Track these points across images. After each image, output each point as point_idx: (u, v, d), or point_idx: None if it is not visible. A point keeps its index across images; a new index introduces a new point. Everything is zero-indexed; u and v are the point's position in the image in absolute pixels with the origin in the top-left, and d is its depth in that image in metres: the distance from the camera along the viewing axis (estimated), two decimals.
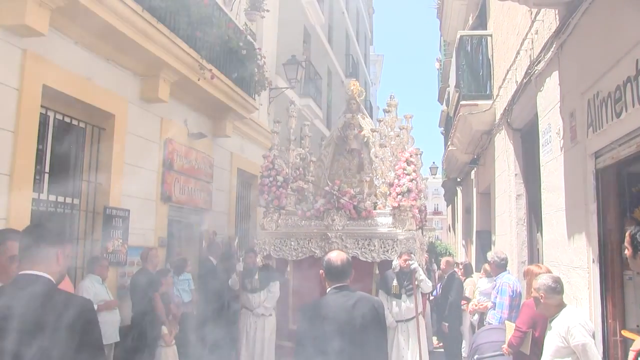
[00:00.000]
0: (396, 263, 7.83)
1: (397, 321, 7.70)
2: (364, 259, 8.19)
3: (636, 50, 3.81)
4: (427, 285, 7.91)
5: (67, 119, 7.12)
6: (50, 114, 6.79)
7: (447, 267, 10.10)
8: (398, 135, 8.97)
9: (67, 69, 6.71)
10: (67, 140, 7.33)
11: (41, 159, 6.62)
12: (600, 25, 4.55)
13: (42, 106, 6.38)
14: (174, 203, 9.30)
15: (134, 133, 8.15)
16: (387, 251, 8.13)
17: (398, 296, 7.71)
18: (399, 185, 8.20)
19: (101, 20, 6.55)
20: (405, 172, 8.25)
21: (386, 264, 8.05)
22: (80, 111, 7.29)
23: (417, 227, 8.81)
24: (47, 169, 6.76)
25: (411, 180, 8.19)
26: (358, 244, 8.28)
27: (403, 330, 7.70)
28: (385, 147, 9.10)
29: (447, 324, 9.41)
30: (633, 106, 3.82)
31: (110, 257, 7.40)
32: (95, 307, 5.96)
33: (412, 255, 7.83)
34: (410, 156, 8.44)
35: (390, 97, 9.55)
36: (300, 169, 9.65)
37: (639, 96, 3.74)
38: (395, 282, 7.71)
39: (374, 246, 8.19)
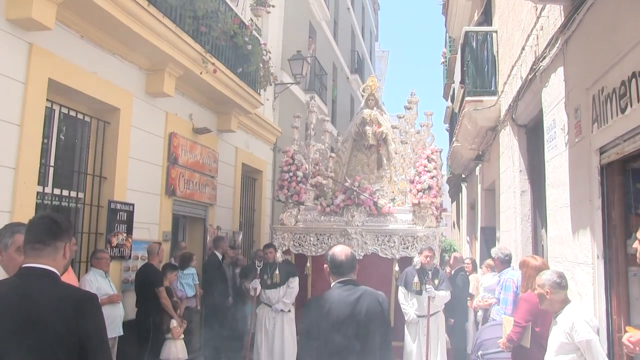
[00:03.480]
0: (417, 260, 7.86)
1: (418, 316, 7.74)
2: (384, 256, 8.22)
3: None
4: (440, 301, 7.93)
5: (72, 113, 7.14)
6: (56, 108, 6.80)
7: (455, 263, 10.10)
8: (418, 132, 8.98)
9: (72, 62, 6.73)
10: (72, 134, 7.36)
11: (46, 153, 6.64)
12: (605, 21, 4.54)
13: (47, 100, 6.39)
14: (179, 197, 9.31)
15: (139, 127, 8.16)
16: (407, 248, 8.18)
17: (419, 292, 7.76)
18: (419, 182, 8.23)
19: (107, 14, 6.56)
20: (427, 169, 8.29)
21: (406, 261, 8.06)
22: (85, 105, 7.31)
23: (437, 224, 8.83)
24: (52, 163, 6.79)
25: (432, 178, 8.22)
26: (378, 240, 8.31)
27: (424, 326, 7.76)
28: (406, 143, 9.11)
29: (452, 320, 9.42)
30: (638, 102, 3.81)
31: (114, 251, 7.42)
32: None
33: (434, 251, 7.85)
34: (432, 153, 8.46)
35: (411, 94, 9.55)
36: (319, 165, 9.65)
37: None
38: (416, 279, 7.76)
39: (394, 243, 8.23)
